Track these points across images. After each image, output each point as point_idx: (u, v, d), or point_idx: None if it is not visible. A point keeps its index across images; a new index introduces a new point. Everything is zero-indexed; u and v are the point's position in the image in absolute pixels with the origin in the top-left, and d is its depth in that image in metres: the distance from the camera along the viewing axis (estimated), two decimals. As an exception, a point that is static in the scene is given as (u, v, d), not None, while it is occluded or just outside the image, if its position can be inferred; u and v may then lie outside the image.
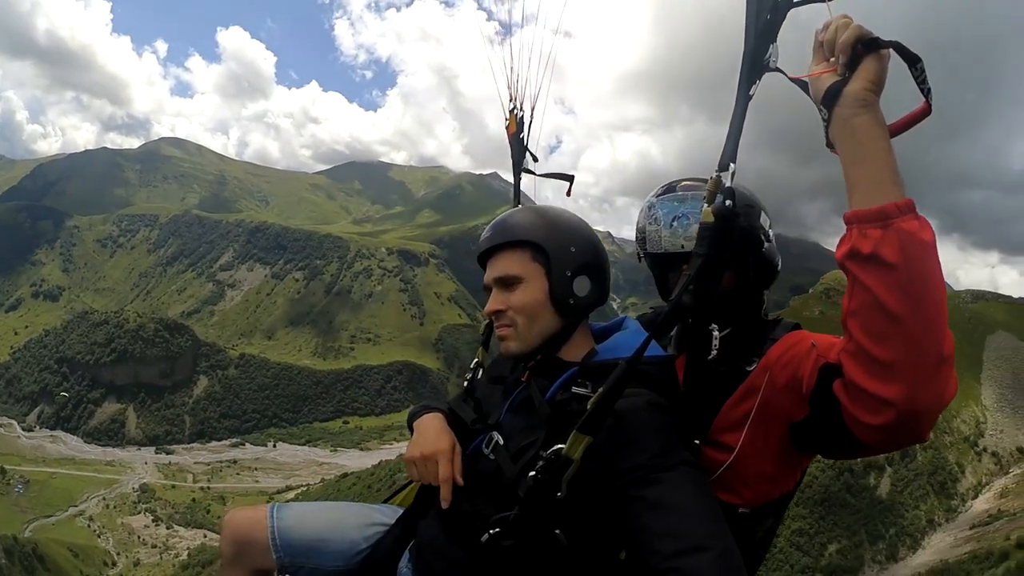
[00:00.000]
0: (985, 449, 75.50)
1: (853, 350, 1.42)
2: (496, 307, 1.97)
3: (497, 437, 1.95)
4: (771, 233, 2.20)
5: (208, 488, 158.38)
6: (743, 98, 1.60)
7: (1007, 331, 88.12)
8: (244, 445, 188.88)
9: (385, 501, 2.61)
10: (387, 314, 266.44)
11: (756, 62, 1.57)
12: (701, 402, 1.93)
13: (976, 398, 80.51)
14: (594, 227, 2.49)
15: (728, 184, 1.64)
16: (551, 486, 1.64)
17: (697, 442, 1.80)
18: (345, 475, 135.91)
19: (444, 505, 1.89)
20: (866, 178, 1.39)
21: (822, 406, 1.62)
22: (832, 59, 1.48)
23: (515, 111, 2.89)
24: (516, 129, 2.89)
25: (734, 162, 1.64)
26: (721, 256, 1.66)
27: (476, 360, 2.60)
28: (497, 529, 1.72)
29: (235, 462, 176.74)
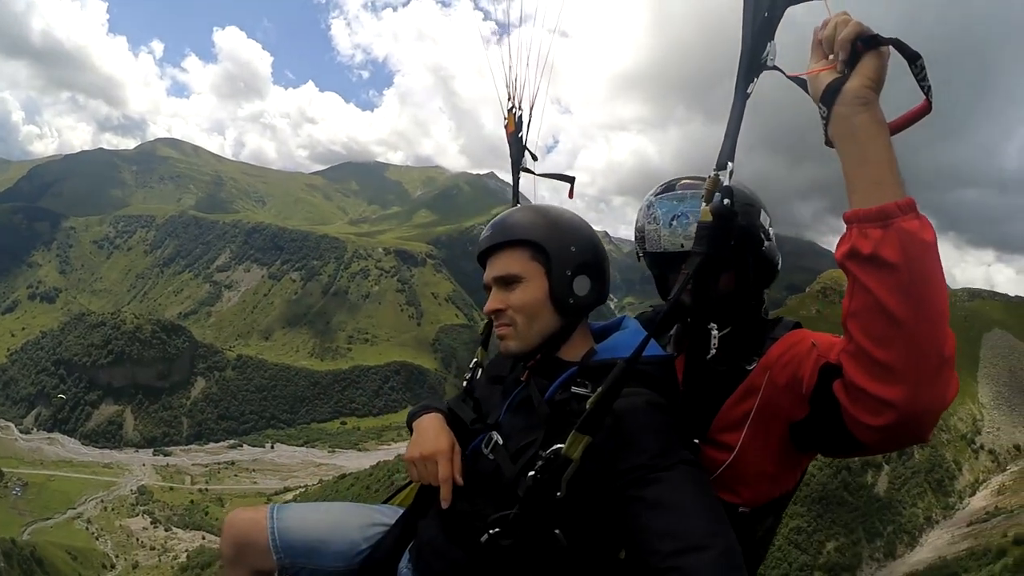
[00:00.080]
0: (982, 447, 75.80)
1: (853, 351, 1.41)
2: (496, 306, 1.96)
3: (496, 437, 1.94)
4: (771, 231, 2.18)
5: (206, 490, 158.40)
6: (741, 96, 1.58)
7: (1003, 329, 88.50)
8: (242, 446, 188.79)
9: (385, 501, 2.59)
10: (384, 314, 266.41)
11: (754, 60, 1.56)
12: (701, 401, 1.94)
13: (973, 396, 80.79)
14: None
15: (726, 183, 1.63)
16: (550, 486, 1.64)
17: (697, 441, 1.80)
18: (343, 476, 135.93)
19: (444, 505, 1.89)
20: (866, 177, 1.38)
21: (822, 406, 1.61)
22: (831, 56, 1.47)
23: (513, 110, 2.88)
24: (515, 128, 2.88)
25: (732, 161, 1.63)
26: (720, 255, 1.65)
27: (475, 360, 2.58)
28: (496, 529, 1.72)
29: (233, 463, 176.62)
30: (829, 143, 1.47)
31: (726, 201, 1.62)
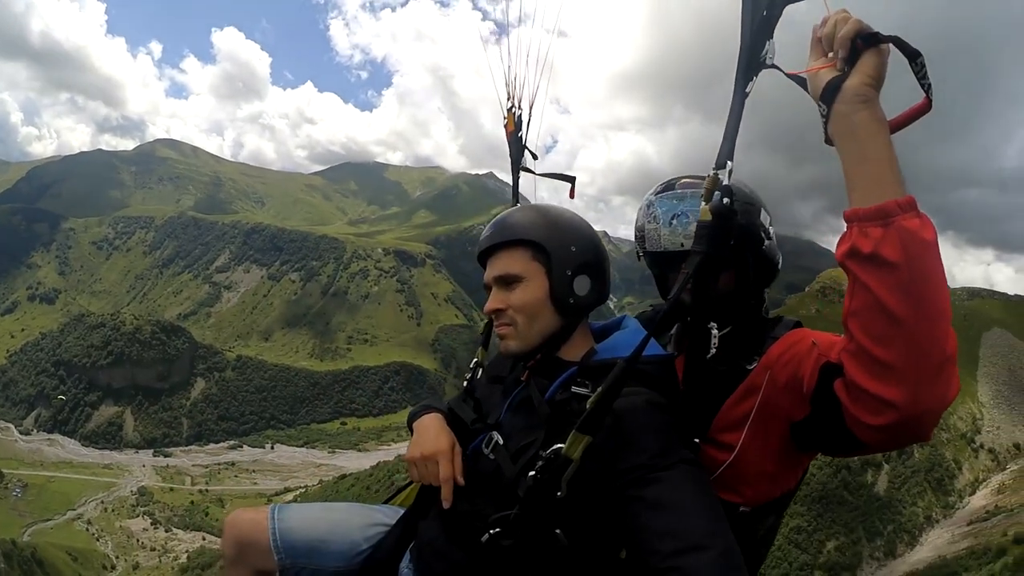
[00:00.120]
0: (982, 446, 75.83)
1: (854, 350, 1.40)
2: (496, 306, 1.96)
3: (497, 437, 1.94)
4: (772, 230, 2.17)
5: (206, 491, 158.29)
6: (740, 95, 1.58)
7: (1003, 328, 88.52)
8: (242, 447, 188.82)
9: (386, 502, 2.59)
10: (384, 315, 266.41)
11: (753, 59, 1.55)
12: (701, 401, 1.93)
13: (973, 395, 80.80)
14: (590, 226, 2.37)
15: (726, 182, 1.62)
16: (551, 486, 1.64)
17: (697, 441, 1.80)
18: (343, 476, 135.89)
19: (446, 505, 1.89)
20: (866, 175, 1.37)
21: (823, 406, 1.60)
22: (830, 54, 1.47)
23: (513, 110, 2.88)
24: (514, 128, 2.88)
25: (731, 160, 1.62)
26: (720, 254, 1.65)
27: (476, 360, 2.58)
28: (497, 529, 1.72)
29: (233, 464, 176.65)
30: (829, 141, 1.46)
31: (725, 200, 1.62)
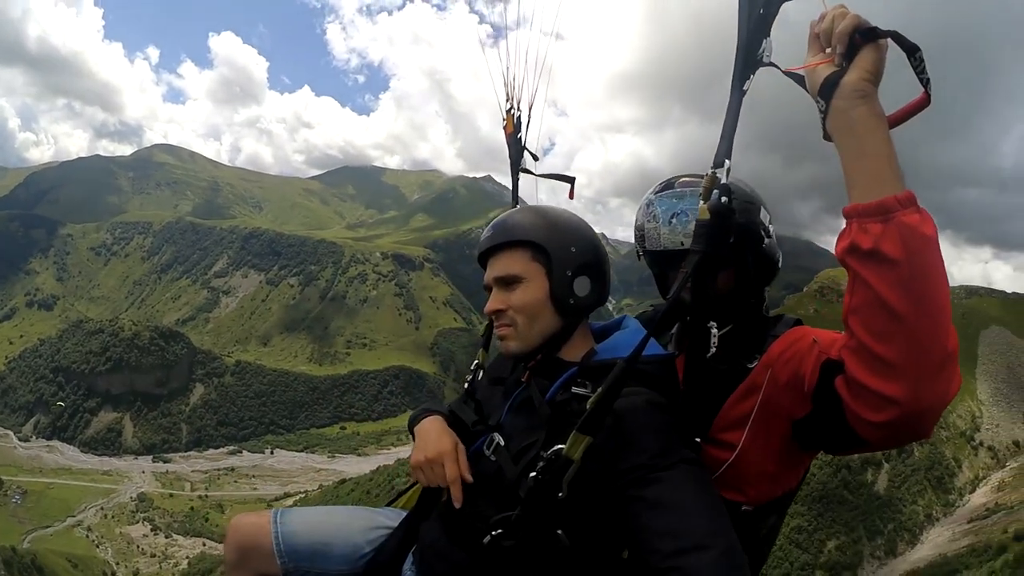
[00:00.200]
0: (981, 443, 75.94)
1: (855, 347, 1.40)
2: (496, 306, 1.97)
3: (498, 438, 1.95)
4: (772, 229, 2.17)
5: (206, 496, 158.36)
6: (737, 94, 1.57)
7: (1001, 326, 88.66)
8: (241, 452, 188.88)
9: (388, 504, 2.60)
10: (382, 319, 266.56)
11: (750, 57, 1.55)
12: (702, 400, 1.93)
13: (972, 393, 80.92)
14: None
15: (724, 180, 1.62)
16: (552, 486, 1.64)
17: (698, 440, 1.81)
18: (343, 481, 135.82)
19: (456, 505, 1.89)
20: (865, 171, 1.37)
21: (824, 403, 1.60)
22: (828, 50, 1.46)
23: (512, 111, 2.88)
24: (513, 129, 2.88)
25: (729, 158, 1.62)
26: (718, 253, 1.65)
27: (476, 361, 2.57)
28: (499, 530, 1.72)
29: (233, 470, 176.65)
30: (827, 137, 1.46)
31: (724, 199, 1.62)
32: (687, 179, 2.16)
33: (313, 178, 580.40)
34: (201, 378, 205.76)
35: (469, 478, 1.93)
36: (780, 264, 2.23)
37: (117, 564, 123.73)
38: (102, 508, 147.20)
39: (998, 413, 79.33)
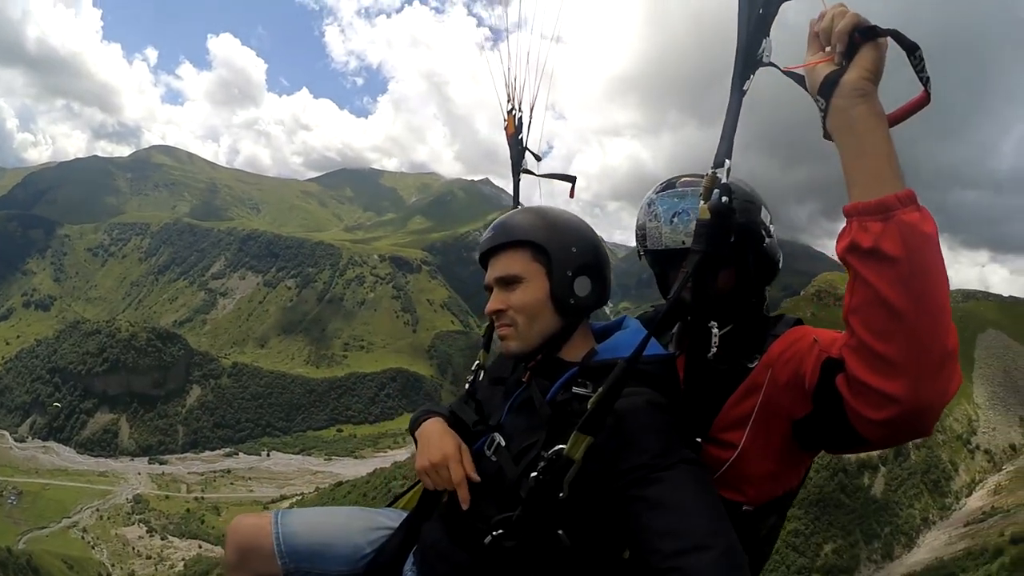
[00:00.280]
0: (978, 447, 76.02)
1: (855, 345, 1.40)
2: (497, 306, 1.97)
3: (499, 438, 1.96)
4: (772, 228, 2.18)
5: (202, 498, 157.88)
6: (737, 94, 1.58)
7: (998, 329, 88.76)
8: (238, 455, 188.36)
9: (389, 505, 2.61)
10: (380, 321, 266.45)
11: (749, 57, 1.55)
12: (703, 400, 1.93)
13: (968, 396, 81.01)
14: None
15: (724, 180, 1.62)
16: (553, 487, 1.64)
17: (699, 440, 1.82)
18: (340, 484, 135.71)
19: (464, 506, 1.89)
20: (865, 169, 1.37)
21: (825, 402, 1.60)
22: (828, 49, 1.46)
23: (513, 112, 2.90)
24: (515, 130, 2.89)
25: (730, 158, 1.62)
26: (719, 253, 1.65)
27: (477, 362, 2.59)
28: (500, 530, 1.72)
29: (229, 472, 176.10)
30: (827, 136, 1.46)
31: (724, 199, 1.62)
32: (688, 179, 2.16)
33: (311, 180, 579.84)
34: (198, 380, 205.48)
35: (476, 478, 1.92)
36: (781, 264, 2.25)
37: (113, 566, 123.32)
38: (98, 509, 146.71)
39: (995, 417, 79.38)
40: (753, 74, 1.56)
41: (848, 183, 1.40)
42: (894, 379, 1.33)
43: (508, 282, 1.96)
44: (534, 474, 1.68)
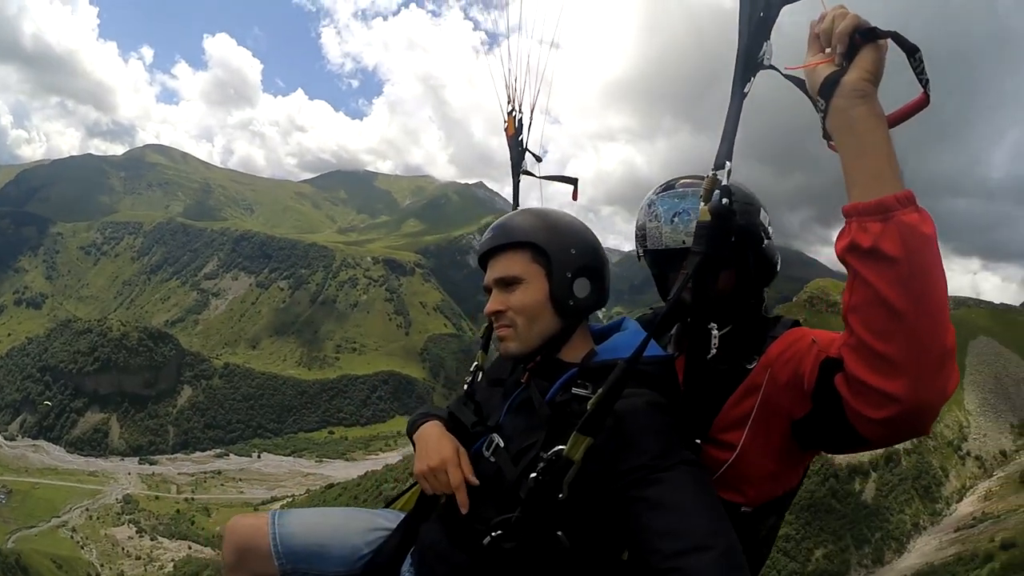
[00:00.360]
0: (968, 453, 76.43)
1: (855, 345, 1.41)
2: (496, 307, 1.97)
3: (497, 439, 1.95)
4: (771, 230, 2.19)
5: (192, 499, 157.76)
6: (738, 96, 1.58)
7: (989, 336, 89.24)
8: (228, 456, 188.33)
9: (387, 505, 2.59)
10: (372, 324, 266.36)
11: (750, 60, 1.56)
12: (702, 401, 1.93)
13: (959, 403, 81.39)
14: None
15: (724, 182, 1.63)
16: (552, 488, 1.65)
17: (699, 441, 1.81)
18: (331, 486, 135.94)
19: (463, 510, 1.89)
20: (864, 170, 1.38)
21: (824, 402, 1.61)
22: (828, 50, 1.47)
23: (513, 113, 2.87)
24: (515, 131, 2.87)
25: (730, 160, 1.63)
26: (719, 254, 1.66)
27: (476, 363, 2.57)
28: (499, 531, 1.72)
29: (219, 473, 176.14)
30: (827, 136, 1.47)
31: (725, 200, 1.63)
32: (688, 180, 2.17)
33: (305, 181, 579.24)
34: (189, 380, 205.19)
35: (475, 481, 1.92)
36: (779, 266, 2.25)
37: (102, 566, 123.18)
38: (87, 509, 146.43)
39: (985, 423, 79.83)
40: (754, 77, 1.57)
41: (848, 183, 1.41)
42: (894, 378, 1.34)
43: (508, 283, 1.96)
44: (533, 475, 1.68)
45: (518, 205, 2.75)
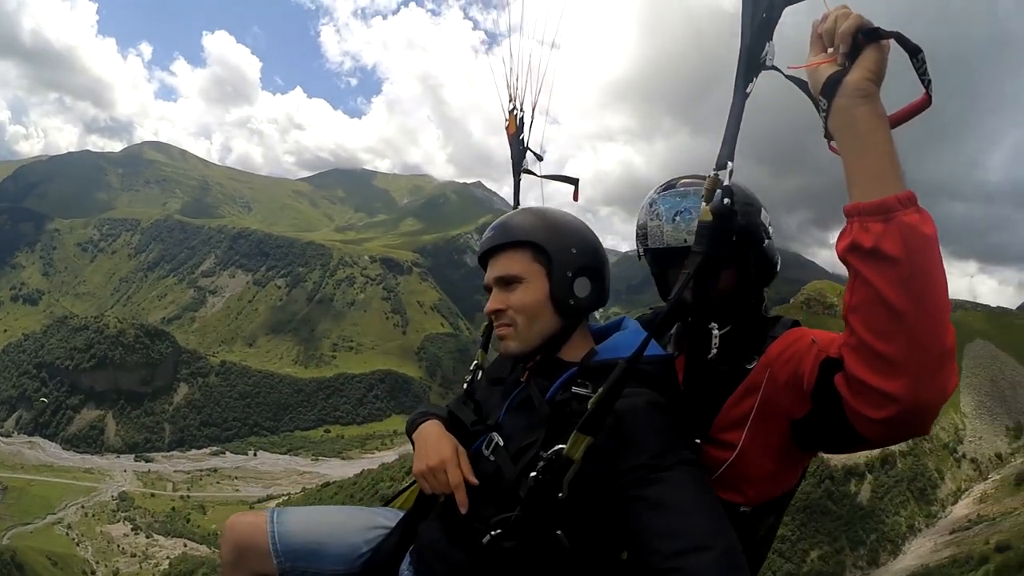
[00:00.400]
0: (964, 455, 76.57)
1: (855, 344, 1.41)
2: (496, 306, 1.97)
3: (497, 438, 1.94)
4: (771, 230, 2.19)
5: (188, 497, 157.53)
6: (740, 96, 1.59)
7: (985, 339, 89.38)
8: (224, 454, 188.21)
9: (386, 504, 2.59)
10: (369, 322, 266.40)
11: (753, 60, 1.56)
12: (702, 401, 1.93)
13: (955, 405, 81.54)
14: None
15: (726, 182, 1.64)
16: (552, 487, 1.65)
17: (698, 441, 1.81)
18: (327, 484, 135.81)
19: (463, 510, 1.88)
20: (866, 170, 1.38)
21: (824, 401, 1.61)
22: (830, 50, 1.47)
23: (515, 111, 2.85)
24: (516, 129, 2.85)
25: (732, 160, 1.63)
26: (720, 254, 1.67)
27: (475, 362, 2.55)
28: (498, 531, 1.72)
29: (215, 471, 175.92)
30: (828, 136, 1.47)
31: (726, 200, 1.63)
32: (688, 180, 2.17)
33: (303, 180, 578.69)
34: (185, 378, 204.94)
35: (474, 481, 1.91)
36: (779, 266, 2.25)
37: (97, 563, 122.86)
38: (83, 506, 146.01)
39: (981, 426, 79.96)
40: (756, 77, 1.57)
41: (849, 183, 1.40)
42: (894, 378, 1.34)
43: (508, 282, 1.96)
44: (533, 474, 1.68)
45: (519, 204, 2.76)
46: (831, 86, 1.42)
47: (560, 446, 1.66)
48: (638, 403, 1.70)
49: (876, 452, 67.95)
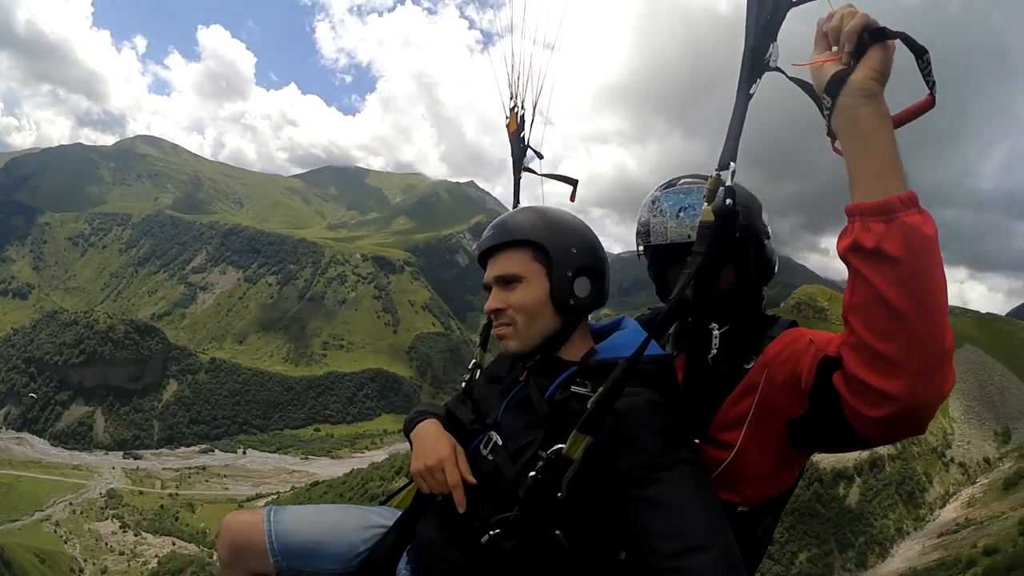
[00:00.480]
0: (952, 460, 76.94)
1: (855, 344, 1.41)
2: (496, 305, 1.96)
3: (495, 437, 1.94)
4: (771, 231, 2.21)
5: (176, 495, 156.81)
6: (743, 97, 1.59)
7: (974, 345, 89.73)
8: (213, 451, 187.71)
9: (383, 503, 2.59)
10: (360, 321, 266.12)
11: (756, 61, 1.56)
12: (701, 400, 1.94)
13: (944, 410, 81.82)
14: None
15: (728, 183, 1.64)
16: (551, 486, 1.64)
17: (697, 441, 1.81)
18: (316, 483, 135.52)
19: (460, 509, 1.87)
20: (868, 170, 1.38)
21: (822, 400, 1.61)
22: (835, 48, 1.47)
23: (516, 109, 2.84)
24: (517, 128, 2.85)
25: (734, 161, 1.63)
26: (721, 254, 1.67)
27: (474, 360, 2.56)
28: (497, 530, 1.71)
29: (204, 469, 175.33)
30: (831, 135, 1.47)
31: (728, 201, 1.63)
32: (689, 179, 2.18)
33: (296, 176, 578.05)
34: (175, 374, 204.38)
35: (472, 480, 1.90)
36: (777, 266, 2.27)
37: (85, 561, 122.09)
38: (71, 503, 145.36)
39: (969, 430, 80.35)
40: (760, 78, 1.57)
41: (851, 182, 1.41)
42: (894, 378, 1.34)
43: (508, 281, 1.96)
44: (532, 473, 1.67)
45: (518, 202, 2.74)
46: (835, 85, 1.42)
47: (559, 445, 1.65)
48: (638, 403, 1.70)
49: (865, 455, 68.29)
